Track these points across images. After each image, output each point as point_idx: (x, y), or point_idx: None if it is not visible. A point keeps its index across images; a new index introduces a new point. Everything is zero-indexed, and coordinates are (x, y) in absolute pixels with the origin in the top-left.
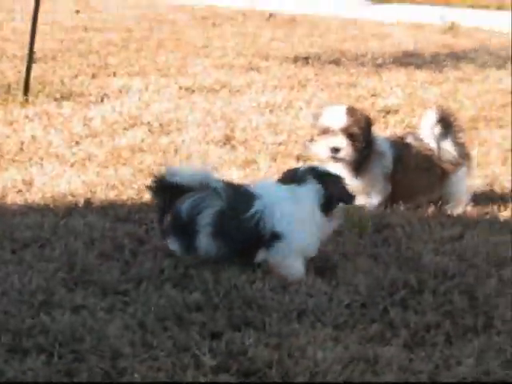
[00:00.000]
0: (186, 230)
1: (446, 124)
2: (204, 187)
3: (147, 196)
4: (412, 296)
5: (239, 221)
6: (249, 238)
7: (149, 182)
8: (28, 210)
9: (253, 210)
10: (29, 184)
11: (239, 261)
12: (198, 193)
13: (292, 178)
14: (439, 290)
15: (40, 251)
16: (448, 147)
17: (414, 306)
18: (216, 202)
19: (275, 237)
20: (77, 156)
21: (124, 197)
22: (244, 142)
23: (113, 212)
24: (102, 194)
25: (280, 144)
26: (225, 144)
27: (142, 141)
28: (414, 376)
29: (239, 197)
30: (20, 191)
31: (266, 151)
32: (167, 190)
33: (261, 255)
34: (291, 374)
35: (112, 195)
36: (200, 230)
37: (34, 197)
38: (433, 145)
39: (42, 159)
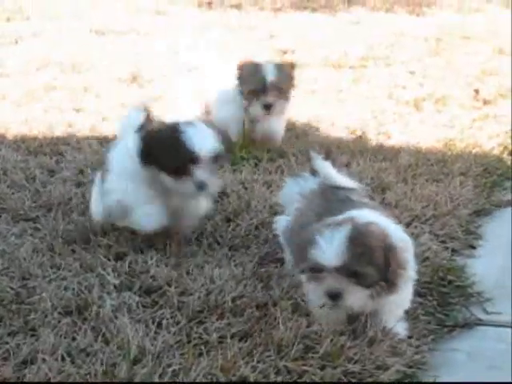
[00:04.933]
0: None
1: None
2: None
3: (57, 131)
4: None
5: None
6: None
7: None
8: None
9: None
10: None
11: None
12: None
13: None
14: None
15: None
16: None
17: None
18: None
19: None
20: None
21: (36, 131)
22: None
23: (25, 145)
24: (15, 130)
25: None
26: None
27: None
28: None
29: None
30: None
31: None
32: None
33: None
34: (189, 290)
35: (25, 130)
36: None
37: None
38: None
39: None
